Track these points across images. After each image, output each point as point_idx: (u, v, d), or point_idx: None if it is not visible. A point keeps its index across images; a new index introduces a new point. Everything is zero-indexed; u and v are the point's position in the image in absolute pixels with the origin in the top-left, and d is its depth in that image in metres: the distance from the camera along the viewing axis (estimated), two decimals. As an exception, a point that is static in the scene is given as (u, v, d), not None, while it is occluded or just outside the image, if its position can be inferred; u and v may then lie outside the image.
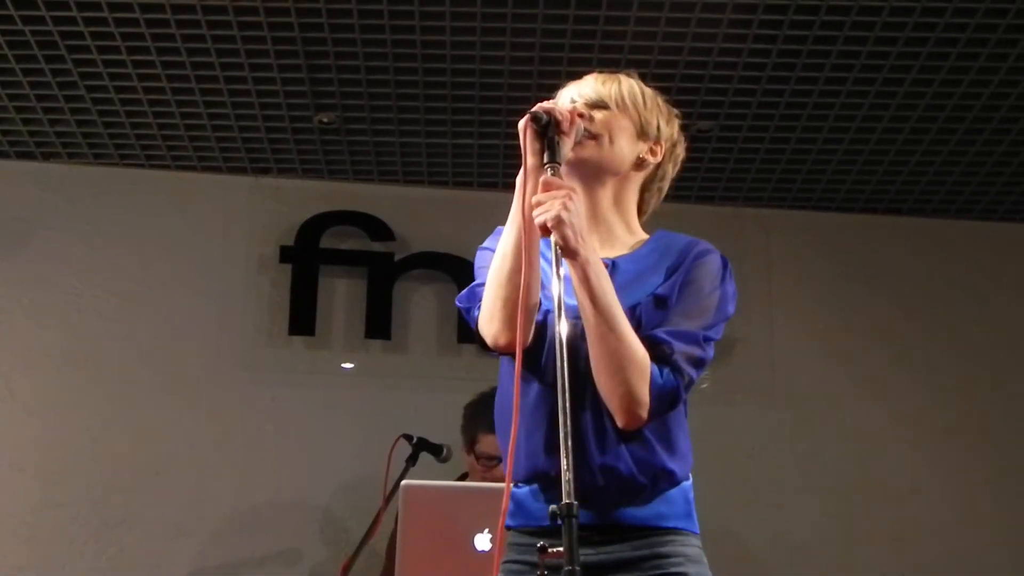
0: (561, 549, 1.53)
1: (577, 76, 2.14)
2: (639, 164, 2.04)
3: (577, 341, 1.83)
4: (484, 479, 3.61)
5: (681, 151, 2.11)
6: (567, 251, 1.75)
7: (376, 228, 4.63)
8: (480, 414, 3.70)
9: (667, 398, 1.84)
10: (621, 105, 2.02)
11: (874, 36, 3.64)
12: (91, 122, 4.25)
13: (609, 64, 2.12)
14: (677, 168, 2.12)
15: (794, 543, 4.42)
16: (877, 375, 4.71)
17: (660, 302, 1.91)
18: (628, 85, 2.05)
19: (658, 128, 2.05)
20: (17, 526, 4.18)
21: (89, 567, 4.17)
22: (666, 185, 2.12)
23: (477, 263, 2.04)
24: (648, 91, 2.07)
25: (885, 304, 4.80)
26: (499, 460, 3.60)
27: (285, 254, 4.57)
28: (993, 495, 4.59)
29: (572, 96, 2.04)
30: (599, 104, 2.01)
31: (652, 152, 2.04)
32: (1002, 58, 3.75)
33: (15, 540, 4.16)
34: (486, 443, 3.61)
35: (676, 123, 2.10)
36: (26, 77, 3.94)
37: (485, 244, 2.05)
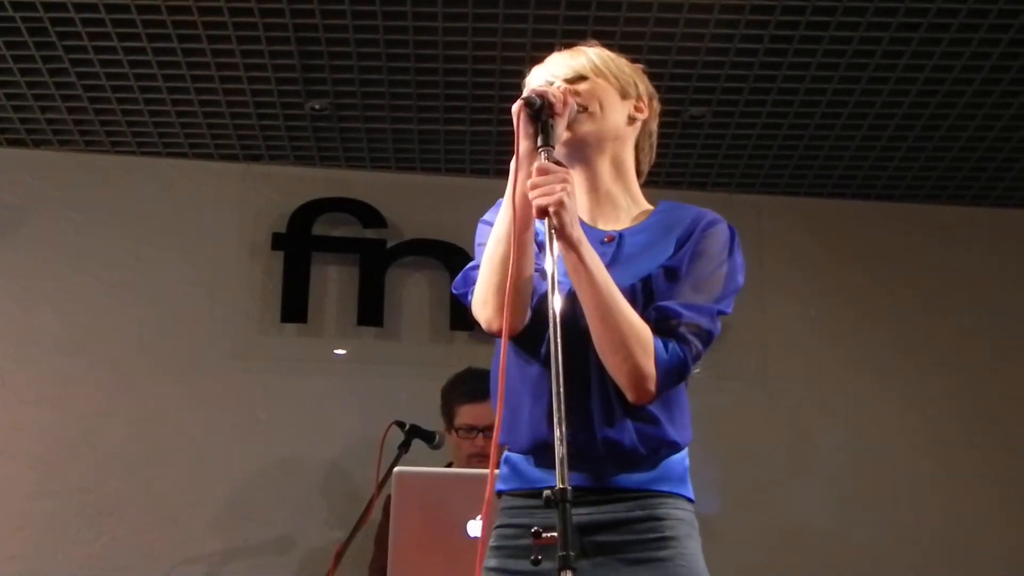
0: (555, 535, 1.53)
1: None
2: (631, 122, 2.06)
3: (576, 318, 1.84)
4: (470, 457, 3.61)
5: (657, 104, 2.13)
6: (562, 235, 1.75)
7: (368, 215, 4.62)
8: (455, 388, 3.73)
9: (675, 371, 1.86)
10: (598, 72, 2.03)
11: (866, 22, 3.64)
12: (82, 109, 4.24)
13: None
14: (657, 121, 2.14)
15: (787, 529, 4.43)
16: (870, 361, 4.71)
17: (671, 273, 1.92)
18: (596, 52, 2.08)
19: (636, 85, 2.07)
20: (10, 514, 4.18)
21: (82, 555, 4.17)
22: (655, 141, 2.14)
23: (477, 238, 2.04)
24: (612, 54, 2.09)
25: (878, 290, 4.80)
26: (477, 431, 3.63)
27: (277, 241, 4.56)
28: (989, 479, 4.59)
29: (546, 78, 2.05)
30: (578, 78, 2.03)
31: (638, 108, 2.07)
32: (994, 43, 3.74)
33: (8, 528, 4.16)
34: (463, 414, 3.64)
35: (645, 77, 2.12)
36: (17, 64, 3.93)
37: (485, 217, 2.05)
